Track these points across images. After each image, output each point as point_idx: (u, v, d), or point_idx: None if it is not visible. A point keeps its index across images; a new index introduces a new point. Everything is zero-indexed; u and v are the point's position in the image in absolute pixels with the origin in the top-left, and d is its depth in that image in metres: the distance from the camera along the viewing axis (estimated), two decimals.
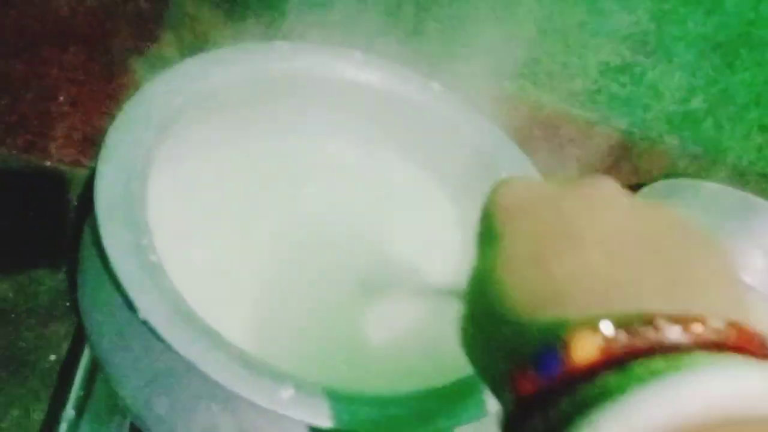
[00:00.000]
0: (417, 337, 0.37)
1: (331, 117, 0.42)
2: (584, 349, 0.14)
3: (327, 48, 0.40)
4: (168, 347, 0.26)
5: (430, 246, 0.42)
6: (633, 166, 0.58)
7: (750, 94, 0.53)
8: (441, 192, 0.45)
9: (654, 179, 0.56)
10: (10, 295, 0.51)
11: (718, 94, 0.52)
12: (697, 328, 0.14)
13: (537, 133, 0.55)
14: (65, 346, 0.49)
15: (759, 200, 0.56)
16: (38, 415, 0.46)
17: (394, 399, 0.27)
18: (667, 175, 0.57)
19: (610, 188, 0.18)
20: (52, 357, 0.49)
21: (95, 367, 0.41)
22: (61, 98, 0.55)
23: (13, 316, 0.50)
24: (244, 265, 0.36)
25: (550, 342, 0.14)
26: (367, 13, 0.44)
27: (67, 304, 0.51)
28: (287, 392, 0.25)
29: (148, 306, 0.26)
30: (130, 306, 0.27)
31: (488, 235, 0.19)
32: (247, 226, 0.37)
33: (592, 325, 0.14)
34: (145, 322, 0.26)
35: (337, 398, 0.26)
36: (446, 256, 0.41)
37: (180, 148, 0.35)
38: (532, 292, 0.16)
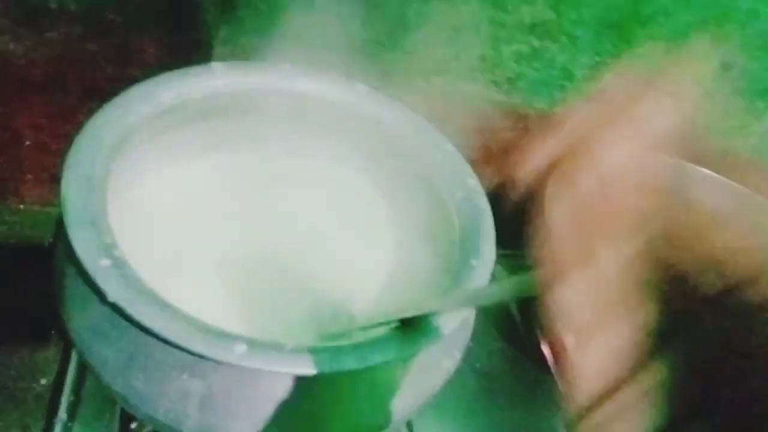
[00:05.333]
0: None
1: (270, 126, 0.47)
2: None
3: (258, 64, 0.45)
4: (136, 325, 0.30)
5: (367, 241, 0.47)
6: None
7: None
8: (376, 191, 0.49)
9: None
10: None
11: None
12: None
13: (471, 124, 0.60)
14: (54, 369, 0.53)
15: (685, 164, 0.61)
16: None
17: (336, 348, 0.31)
18: None
19: None
20: (43, 381, 0.52)
21: (83, 375, 0.44)
22: (27, 143, 0.59)
23: (1, 346, 0.54)
24: (193, 262, 0.41)
25: None
26: (286, 25, 0.49)
27: (53, 331, 0.55)
28: (240, 348, 0.29)
29: (115, 290, 0.30)
30: (101, 297, 0.31)
31: None
32: (194, 230, 0.42)
33: None
34: (113, 304, 0.30)
35: (285, 350, 0.30)
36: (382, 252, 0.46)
37: (133, 165, 0.39)
38: None
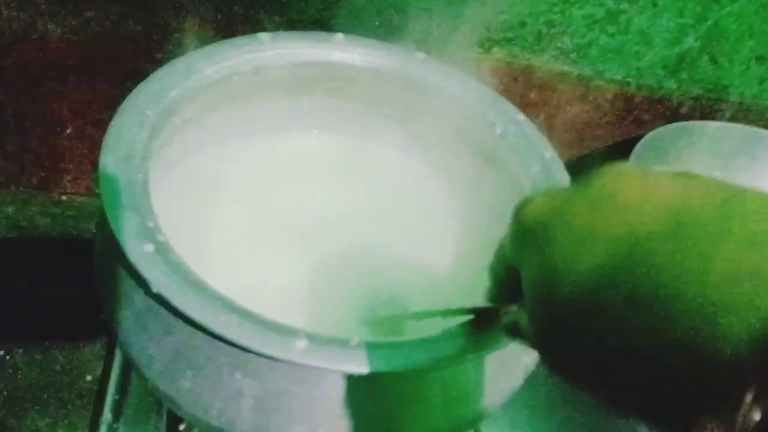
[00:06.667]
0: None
1: (321, 103, 0.43)
2: None
3: (308, 34, 0.41)
4: (182, 316, 0.26)
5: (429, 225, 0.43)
6: (635, 118, 0.57)
7: (742, 25, 0.52)
8: (438, 170, 0.45)
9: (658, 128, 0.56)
10: (42, 324, 0.52)
11: (710, 30, 0.52)
12: None
13: (533, 97, 0.56)
14: (99, 366, 0.51)
15: (766, 132, 0.55)
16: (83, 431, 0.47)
17: (405, 343, 0.27)
18: (671, 122, 0.57)
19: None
20: (88, 377, 0.50)
21: (128, 372, 0.42)
22: (68, 131, 0.57)
23: (46, 343, 0.52)
24: (242, 247, 0.37)
25: None
26: None
27: (97, 326, 0.52)
28: (302, 343, 0.25)
29: (160, 279, 0.26)
30: (145, 287, 0.28)
31: (531, 246, 0.19)
32: (239, 212, 0.39)
33: None
34: (158, 295, 0.26)
35: (350, 345, 0.26)
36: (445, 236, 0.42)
37: (175, 145, 0.36)
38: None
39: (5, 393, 0.48)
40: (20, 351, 0.51)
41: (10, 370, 0.50)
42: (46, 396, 0.48)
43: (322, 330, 0.27)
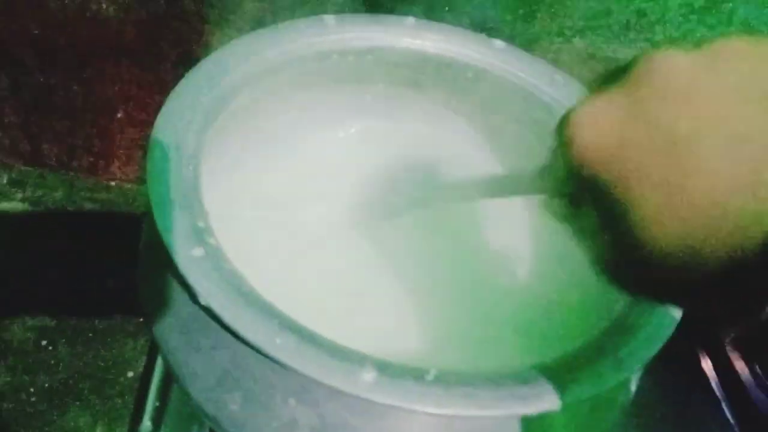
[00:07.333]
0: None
1: (386, 93, 0.39)
2: None
3: (377, 17, 0.37)
4: (233, 334, 0.23)
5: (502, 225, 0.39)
6: None
7: None
8: (515, 165, 0.41)
9: None
10: (86, 315, 0.51)
11: None
12: None
13: None
14: (142, 362, 0.48)
15: None
16: (121, 430, 0.45)
17: (495, 376, 0.23)
18: None
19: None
20: (130, 374, 0.48)
21: (170, 377, 0.39)
22: (119, 115, 0.55)
23: (90, 335, 0.50)
24: (300, 247, 0.34)
25: None
26: None
27: (141, 320, 0.50)
28: (369, 374, 0.22)
29: (209, 290, 0.23)
30: (192, 296, 0.25)
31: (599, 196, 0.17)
32: (298, 211, 0.35)
33: None
34: (207, 308, 0.23)
35: (426, 380, 0.22)
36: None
37: (230, 133, 0.33)
38: None
39: (47, 385, 0.47)
40: (63, 342, 0.49)
41: (53, 362, 0.48)
42: (86, 391, 0.47)
43: None
